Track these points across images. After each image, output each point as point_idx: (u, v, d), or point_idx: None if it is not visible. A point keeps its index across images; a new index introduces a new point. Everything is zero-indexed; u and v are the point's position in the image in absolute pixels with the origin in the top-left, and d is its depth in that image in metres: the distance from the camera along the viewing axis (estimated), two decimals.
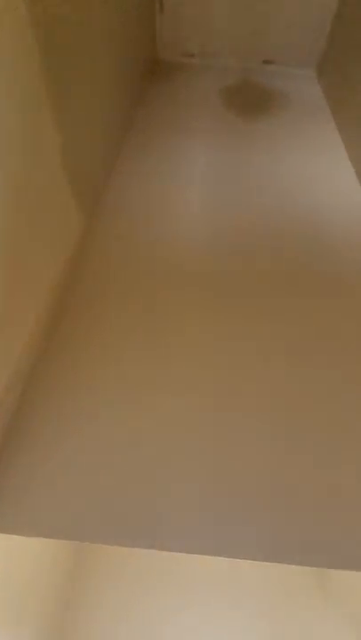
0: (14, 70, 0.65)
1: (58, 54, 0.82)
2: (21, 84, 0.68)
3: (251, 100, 1.84)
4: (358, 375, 0.86)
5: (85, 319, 0.93)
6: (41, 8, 0.71)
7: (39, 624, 1.08)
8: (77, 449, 0.73)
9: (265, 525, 0.66)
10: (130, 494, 0.69)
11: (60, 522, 0.66)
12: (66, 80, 0.88)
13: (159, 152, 1.44)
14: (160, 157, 1.41)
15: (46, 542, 1.05)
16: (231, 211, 1.23)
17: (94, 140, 1.15)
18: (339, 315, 0.97)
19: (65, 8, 0.84)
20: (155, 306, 0.97)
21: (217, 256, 1.09)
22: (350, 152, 1.51)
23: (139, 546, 0.65)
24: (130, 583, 1.34)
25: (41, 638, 1.08)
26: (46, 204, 0.84)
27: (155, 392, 0.82)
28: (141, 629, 1.27)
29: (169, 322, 0.94)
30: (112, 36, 1.23)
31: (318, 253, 1.12)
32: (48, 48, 0.77)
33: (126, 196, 1.24)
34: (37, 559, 1.06)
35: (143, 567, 1.37)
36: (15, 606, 0.90)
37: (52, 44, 0.79)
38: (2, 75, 0.61)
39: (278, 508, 0.68)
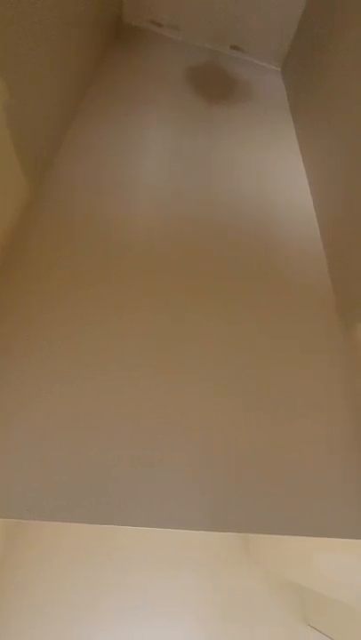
0: None
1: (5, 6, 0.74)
2: None
3: (214, 84, 1.82)
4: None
5: (27, 293, 0.89)
6: None
7: None
8: (5, 426, 0.72)
9: (194, 498, 0.73)
10: (61, 469, 0.69)
11: None
12: (14, 34, 0.80)
13: (115, 124, 1.37)
14: (116, 129, 1.35)
15: None
16: (182, 194, 1.24)
17: (45, 103, 1.06)
18: (283, 293, 1.06)
19: None
20: (99, 284, 0.95)
21: (164, 237, 1.10)
22: (304, 151, 1.59)
23: (74, 520, 0.66)
24: (65, 558, 1.36)
25: None
26: None
27: (96, 371, 0.82)
28: (79, 603, 1.30)
29: (114, 302, 0.93)
30: None
31: (263, 244, 1.19)
32: None
33: (77, 167, 1.18)
34: None
35: (78, 542, 1.40)
36: None
37: None
38: None
39: (208, 485, 0.75)
